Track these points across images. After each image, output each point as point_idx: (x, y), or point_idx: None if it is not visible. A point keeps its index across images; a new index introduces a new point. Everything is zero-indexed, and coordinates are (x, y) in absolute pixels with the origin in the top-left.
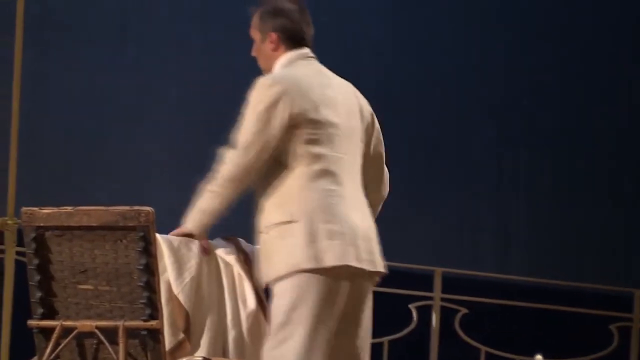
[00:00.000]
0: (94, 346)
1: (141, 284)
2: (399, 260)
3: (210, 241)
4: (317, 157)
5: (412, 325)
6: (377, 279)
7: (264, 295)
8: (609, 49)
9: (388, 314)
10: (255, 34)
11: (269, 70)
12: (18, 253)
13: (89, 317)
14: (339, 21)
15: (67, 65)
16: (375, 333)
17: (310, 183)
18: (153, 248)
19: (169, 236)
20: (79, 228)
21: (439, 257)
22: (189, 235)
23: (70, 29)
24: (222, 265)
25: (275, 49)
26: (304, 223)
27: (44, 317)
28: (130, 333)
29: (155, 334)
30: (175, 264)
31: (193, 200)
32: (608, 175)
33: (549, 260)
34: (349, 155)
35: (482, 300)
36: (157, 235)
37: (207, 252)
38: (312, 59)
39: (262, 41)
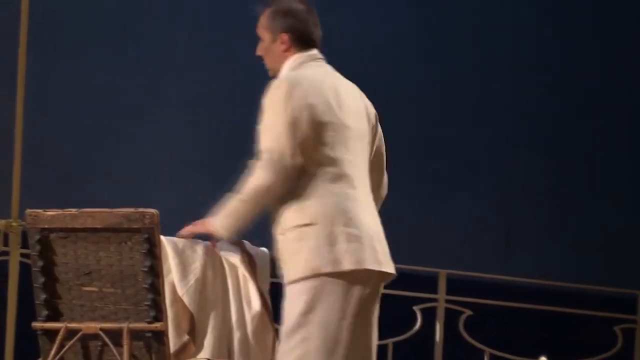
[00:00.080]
0: (99, 348)
1: (146, 286)
2: (403, 262)
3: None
4: (333, 160)
5: (417, 327)
6: (389, 280)
7: (268, 297)
8: (609, 49)
9: (392, 315)
10: (264, 33)
11: (276, 70)
12: (22, 255)
13: (93, 319)
14: (339, 21)
15: (67, 65)
16: (380, 335)
17: (327, 186)
18: (157, 250)
19: (174, 238)
20: (84, 230)
21: (443, 259)
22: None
23: (71, 29)
24: (226, 267)
25: (286, 50)
26: (322, 226)
27: (48, 319)
28: (135, 335)
29: (160, 336)
30: (179, 266)
31: (220, 204)
32: (611, 176)
33: (553, 262)
34: (360, 158)
35: (487, 302)
36: (162, 237)
37: (212, 254)
38: (322, 60)
39: (272, 41)
